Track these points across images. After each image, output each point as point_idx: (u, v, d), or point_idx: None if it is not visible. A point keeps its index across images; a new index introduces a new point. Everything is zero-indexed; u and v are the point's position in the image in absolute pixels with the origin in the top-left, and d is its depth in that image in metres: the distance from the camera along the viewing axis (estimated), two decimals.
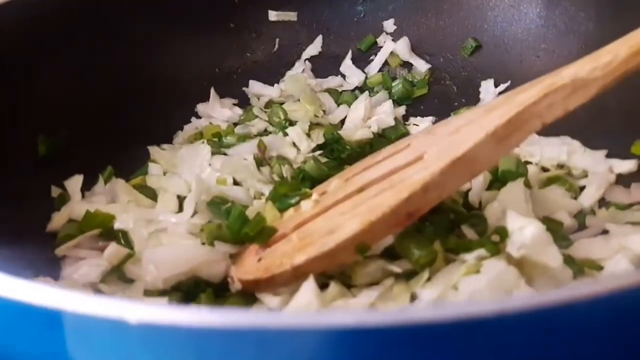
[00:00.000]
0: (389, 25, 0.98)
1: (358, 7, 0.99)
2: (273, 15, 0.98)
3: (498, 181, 0.74)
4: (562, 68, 0.61)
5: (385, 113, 0.91)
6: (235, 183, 0.77)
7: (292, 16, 0.98)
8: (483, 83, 0.92)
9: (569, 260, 0.62)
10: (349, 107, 0.92)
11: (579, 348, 0.38)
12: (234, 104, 0.94)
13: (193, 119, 0.91)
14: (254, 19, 0.97)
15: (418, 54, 0.96)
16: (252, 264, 0.64)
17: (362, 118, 0.90)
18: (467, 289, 0.56)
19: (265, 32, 0.98)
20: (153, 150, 0.83)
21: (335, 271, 0.62)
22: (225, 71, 0.96)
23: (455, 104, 0.92)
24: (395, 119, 0.90)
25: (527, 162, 0.79)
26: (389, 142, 0.78)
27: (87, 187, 0.78)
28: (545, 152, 0.79)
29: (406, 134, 0.87)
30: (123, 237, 0.70)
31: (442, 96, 0.94)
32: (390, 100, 0.92)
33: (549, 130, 0.80)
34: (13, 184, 0.71)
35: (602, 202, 0.74)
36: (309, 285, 0.57)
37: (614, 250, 0.64)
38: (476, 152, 0.61)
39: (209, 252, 0.66)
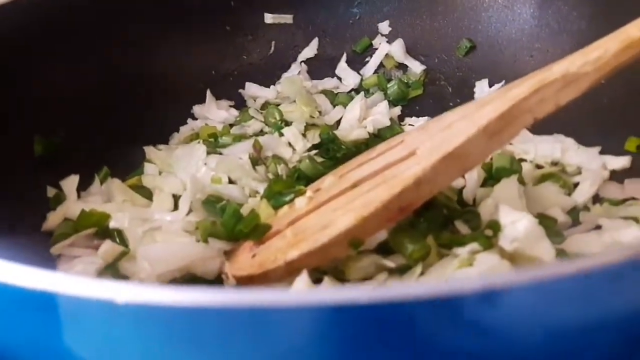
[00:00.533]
0: (384, 27, 0.98)
1: (353, 9, 0.99)
2: (269, 18, 0.98)
3: (492, 178, 0.74)
4: (554, 63, 0.61)
5: (381, 113, 0.91)
6: (231, 182, 0.77)
7: (287, 19, 0.99)
8: (477, 83, 0.93)
9: (561, 254, 0.62)
10: (345, 108, 0.92)
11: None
12: (230, 106, 0.94)
13: (189, 121, 0.91)
14: (250, 21, 0.98)
15: (413, 55, 0.97)
16: (246, 260, 0.65)
17: (357, 118, 0.90)
18: None
19: (261, 34, 0.98)
20: (149, 150, 0.84)
21: (329, 266, 0.63)
22: (221, 73, 0.96)
23: (450, 104, 0.93)
24: (391, 119, 0.91)
25: (522, 160, 0.79)
26: None
27: (82, 187, 0.78)
28: (539, 149, 0.80)
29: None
30: (118, 236, 0.70)
31: (437, 97, 0.95)
32: (386, 101, 0.93)
33: (543, 128, 0.81)
34: (9, 183, 0.72)
35: (596, 199, 0.75)
36: (302, 280, 0.57)
37: (607, 244, 0.64)
38: (468, 146, 0.61)
39: (203, 249, 0.66)
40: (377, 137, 0.88)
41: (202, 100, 0.93)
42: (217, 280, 0.66)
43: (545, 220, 0.66)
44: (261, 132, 0.88)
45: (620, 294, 0.37)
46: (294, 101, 0.92)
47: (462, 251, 0.60)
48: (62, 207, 0.75)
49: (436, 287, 0.33)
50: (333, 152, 0.83)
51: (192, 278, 0.65)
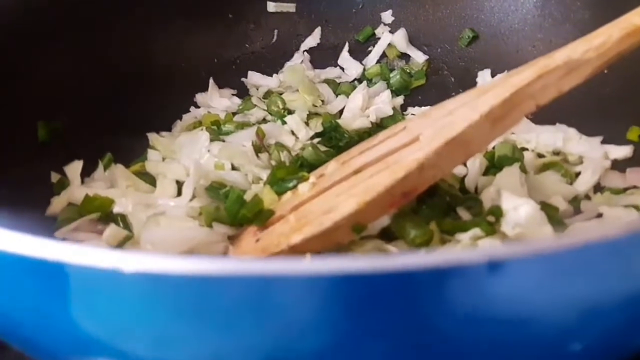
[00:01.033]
0: (387, 16, 0.98)
1: None
2: (272, 7, 0.99)
3: (494, 167, 0.74)
4: (556, 50, 0.62)
5: (383, 102, 0.91)
6: (234, 169, 0.77)
7: (290, 7, 0.99)
8: (480, 73, 0.93)
9: None
10: (347, 97, 0.92)
11: None
12: (233, 94, 0.95)
13: (192, 109, 0.92)
14: (253, 10, 0.98)
15: (416, 45, 0.97)
16: (250, 245, 0.65)
17: (360, 107, 0.90)
18: None
19: (264, 23, 0.99)
20: (152, 136, 0.84)
21: (332, 251, 0.63)
22: (224, 62, 0.96)
23: (453, 94, 0.92)
24: (394, 108, 0.91)
25: (524, 149, 0.79)
26: None
27: (86, 173, 0.78)
28: (541, 139, 0.80)
29: None
30: (122, 221, 0.70)
31: (440, 86, 0.95)
32: (389, 90, 0.93)
33: (545, 117, 0.81)
34: (12, 168, 0.72)
35: (598, 188, 0.75)
36: None
37: None
38: (471, 132, 0.61)
39: (207, 234, 0.66)
40: (380, 126, 0.88)
41: (204, 88, 0.93)
42: None
43: (547, 209, 0.66)
44: (264, 121, 0.88)
45: (621, 269, 0.37)
46: (297, 90, 0.92)
47: (465, 237, 0.61)
48: (66, 192, 0.75)
49: (440, 257, 0.34)
50: (336, 140, 0.83)
51: None
